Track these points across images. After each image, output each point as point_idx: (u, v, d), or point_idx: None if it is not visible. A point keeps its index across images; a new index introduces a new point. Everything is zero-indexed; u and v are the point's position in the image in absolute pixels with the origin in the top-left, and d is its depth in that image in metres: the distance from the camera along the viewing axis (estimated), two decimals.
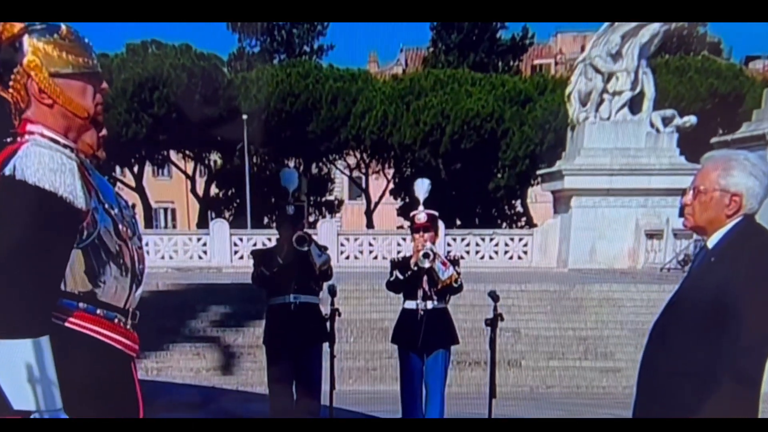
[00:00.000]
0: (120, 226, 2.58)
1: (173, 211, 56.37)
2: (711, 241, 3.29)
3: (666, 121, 23.84)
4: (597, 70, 23.78)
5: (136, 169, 38.66)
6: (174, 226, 54.48)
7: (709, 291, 3.12)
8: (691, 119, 24.11)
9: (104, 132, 2.68)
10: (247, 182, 33.71)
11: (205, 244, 26.00)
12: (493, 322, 6.73)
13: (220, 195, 41.75)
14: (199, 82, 32.35)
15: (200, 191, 40.96)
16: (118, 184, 37.62)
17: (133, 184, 38.72)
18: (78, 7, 2.59)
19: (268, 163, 39.48)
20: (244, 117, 32.02)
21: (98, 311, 2.49)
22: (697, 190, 3.28)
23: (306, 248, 6.78)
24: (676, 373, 3.19)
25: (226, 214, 39.74)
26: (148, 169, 42.25)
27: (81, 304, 2.45)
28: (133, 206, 35.31)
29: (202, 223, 37.75)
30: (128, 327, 2.62)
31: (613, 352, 15.20)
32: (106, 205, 2.55)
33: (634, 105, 24.13)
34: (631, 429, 3.34)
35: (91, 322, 2.48)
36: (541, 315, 16.59)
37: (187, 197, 46.78)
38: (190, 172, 41.34)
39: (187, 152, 38.84)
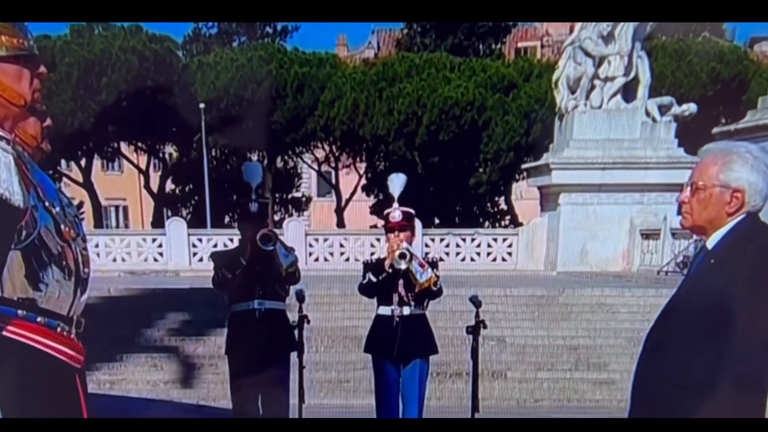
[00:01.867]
0: (62, 226, 2.56)
1: (125, 209, 56.21)
2: (711, 242, 3.28)
3: (663, 110, 23.83)
4: (587, 54, 23.73)
5: (83, 163, 38.37)
6: (126, 226, 54.41)
7: (710, 296, 3.11)
8: (690, 107, 24.04)
9: (48, 122, 2.66)
10: (206, 177, 33.62)
11: (160, 245, 25.87)
12: (475, 330, 6.73)
13: (177, 191, 41.63)
14: (151, 67, 32.09)
15: (155, 187, 40.76)
16: (64, 179, 37.39)
17: (80, 179, 38.47)
18: (78, 7, 2.57)
19: (229, 157, 39.42)
20: (202, 105, 31.90)
21: (39, 319, 2.47)
22: (695, 186, 3.27)
23: (271, 247, 6.76)
24: (673, 385, 3.19)
25: (184, 213, 39.67)
26: (96, 163, 41.99)
27: (20, 312, 2.43)
28: (81, 204, 35.24)
29: (158, 222, 37.55)
30: (73, 336, 2.60)
31: (606, 362, 15.26)
32: (47, 203, 2.52)
33: (628, 92, 24.12)
34: (631, 429, 3.37)
35: (31, 331, 2.45)
36: (528, 322, 16.63)
37: (140, 194, 46.55)
38: (143, 166, 41.11)
39: (140, 144, 38.62)
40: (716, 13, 3.41)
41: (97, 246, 24.58)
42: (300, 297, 6.94)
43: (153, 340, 15.67)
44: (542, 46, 59.44)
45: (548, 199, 25.57)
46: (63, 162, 38.39)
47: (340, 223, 41.39)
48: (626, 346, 14.77)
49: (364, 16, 3.17)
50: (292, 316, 6.98)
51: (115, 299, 16.71)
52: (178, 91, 32.30)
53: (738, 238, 3.17)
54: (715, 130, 22.22)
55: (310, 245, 25.67)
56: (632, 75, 23.96)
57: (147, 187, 41.21)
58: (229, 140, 35.59)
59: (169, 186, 41.56)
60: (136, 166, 41.45)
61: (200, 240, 25.69)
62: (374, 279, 6.95)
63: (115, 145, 38.44)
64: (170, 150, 41.58)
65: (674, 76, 32.29)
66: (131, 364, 14.94)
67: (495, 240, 26.16)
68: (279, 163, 40.90)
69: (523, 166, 28.61)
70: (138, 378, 14.75)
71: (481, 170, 35.33)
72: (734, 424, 2.96)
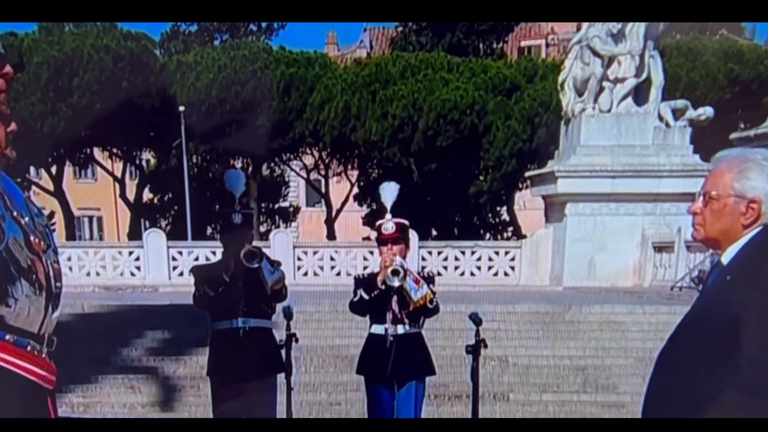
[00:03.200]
0: (32, 237, 2.56)
1: (99, 219, 56.18)
2: (726, 256, 3.25)
3: (677, 114, 23.74)
4: (595, 54, 23.66)
5: (54, 170, 38.30)
6: (101, 238, 54.37)
7: (725, 313, 3.07)
8: (706, 111, 23.87)
9: (14, 126, 2.65)
10: (186, 186, 33.59)
11: (138, 259, 25.79)
12: (475, 349, 6.74)
13: (155, 201, 41.60)
14: (126, 67, 32.07)
15: (131, 196, 40.74)
16: (33, 188, 37.34)
17: (51, 187, 38.39)
18: (78, 7, 2.58)
19: (211, 164, 39.42)
20: (181, 109, 31.89)
21: (8, 337, 2.47)
22: (708, 196, 3.24)
23: (256, 265, 6.78)
24: (687, 407, 3.15)
25: (163, 224, 39.65)
26: (68, 170, 42.00)
27: None
28: (52, 214, 35.20)
29: (134, 233, 37.49)
30: (44, 355, 2.60)
31: (615, 384, 15.24)
32: (15, 213, 2.52)
33: (640, 94, 24.03)
34: (630, 429, 3.38)
35: None
36: (532, 341, 16.59)
37: (115, 203, 46.58)
38: (118, 173, 41.10)
39: (115, 150, 38.57)
40: (726, 12, 3.44)
41: (69, 259, 24.51)
42: (287, 314, 6.95)
43: (130, 360, 15.60)
44: (547, 45, 59.63)
45: (553, 209, 25.56)
46: (32, 169, 38.32)
47: (331, 235, 41.38)
48: (637, 367, 14.74)
49: (359, 15, 3.19)
50: (279, 335, 6.98)
51: (89, 316, 16.64)
52: (156, 93, 32.32)
53: (754, 252, 3.13)
54: (733, 135, 22.25)
55: (299, 258, 25.63)
56: (644, 76, 23.81)
57: (123, 196, 41.18)
58: (211, 146, 35.63)
59: (147, 195, 41.52)
60: (111, 174, 41.42)
61: (180, 253, 25.62)
62: (366, 296, 6.97)
63: (88, 151, 38.42)
64: (148, 156, 41.60)
65: (689, 78, 32.25)
66: (106, 386, 14.86)
67: (496, 253, 26.12)
68: (265, 171, 40.92)
69: (527, 174, 28.57)
70: (114, 400, 14.68)
71: (481, 178, 35.36)
72: (736, 424, 2.95)
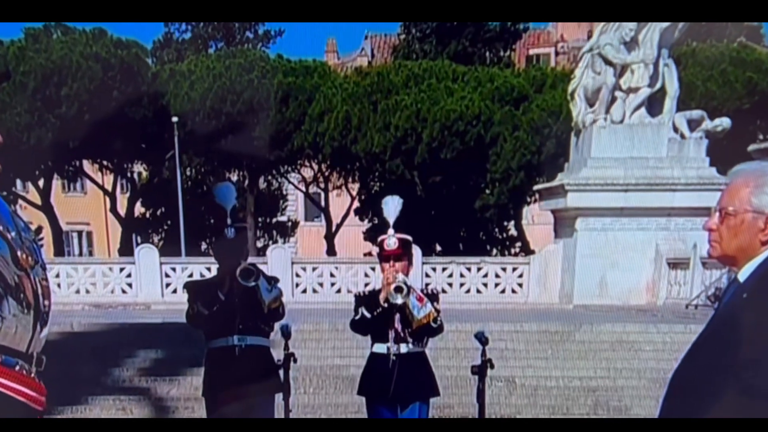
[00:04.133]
0: (19, 253, 2.56)
1: (89, 234, 56.20)
2: (743, 274, 3.25)
3: (693, 125, 23.68)
4: (607, 62, 23.61)
5: (41, 183, 38.30)
6: (90, 253, 54.31)
7: (742, 333, 3.07)
8: (723, 122, 23.81)
9: None
10: (180, 199, 33.63)
11: (129, 275, 25.77)
12: (481, 370, 6.75)
13: (147, 215, 41.61)
14: (116, 76, 32.04)
15: (122, 210, 40.73)
16: (20, 201, 37.35)
17: (38, 201, 38.39)
18: (78, 7, 2.60)
19: (205, 176, 39.45)
20: (175, 119, 31.91)
21: None
22: (725, 212, 3.25)
23: (253, 284, 6.78)
24: (702, 430, 3.14)
25: (155, 239, 39.69)
26: (56, 183, 42.04)
27: None
28: (40, 229, 35.22)
29: (126, 249, 37.50)
30: (33, 375, 2.60)
31: (628, 405, 15.22)
32: (1, 228, 2.52)
33: (654, 105, 23.98)
34: (630, 429, 3.39)
35: None
36: (541, 361, 16.58)
37: (106, 218, 46.60)
38: (108, 187, 41.08)
39: (105, 163, 38.55)
40: (721, 13, 3.46)
41: (57, 276, 24.47)
42: (286, 333, 6.95)
43: (121, 381, 15.57)
44: (556, 54, 59.68)
45: (563, 224, 25.52)
46: (18, 182, 38.36)
47: (331, 251, 41.39)
48: (651, 388, 14.74)
49: (359, 16, 3.20)
50: (277, 354, 6.97)
51: (79, 335, 16.63)
52: (148, 103, 32.32)
53: None
54: (751, 147, 22.23)
55: (297, 275, 25.61)
56: (658, 86, 23.72)
57: (113, 210, 41.12)
58: (205, 158, 35.67)
59: (139, 209, 41.53)
60: (101, 187, 41.42)
61: (174, 269, 25.63)
62: (368, 314, 6.95)
63: (77, 163, 38.43)
64: (139, 169, 41.63)
65: (705, 87, 32.11)
66: (97, 407, 14.84)
67: (504, 269, 26.08)
68: (262, 184, 40.95)
69: (535, 187, 28.47)
70: None
71: (487, 192, 35.35)
72: (737, 424, 2.95)
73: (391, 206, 7.11)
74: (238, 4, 3.25)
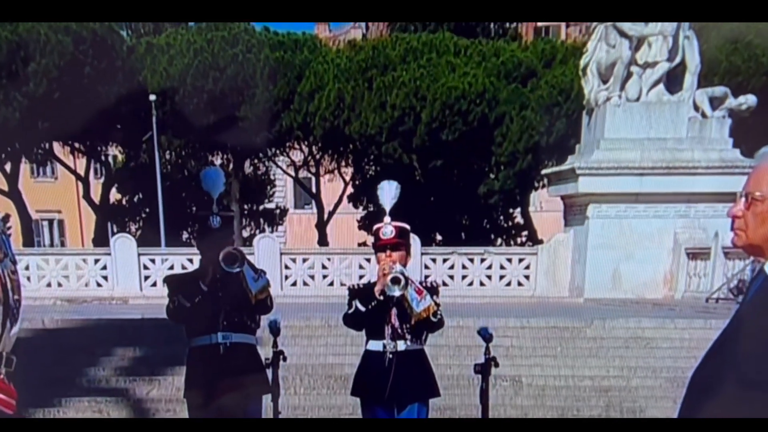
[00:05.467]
0: None
1: (61, 223, 56.16)
2: None
3: (715, 103, 23.62)
4: (623, 34, 23.49)
5: (8, 167, 38.22)
6: (63, 244, 54.26)
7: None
8: (749, 99, 23.77)
9: None
10: (159, 185, 33.61)
11: (104, 267, 25.78)
12: (484, 369, 6.76)
13: (123, 202, 41.59)
14: (89, 51, 31.93)
15: (96, 197, 40.72)
16: None
17: (5, 187, 38.35)
18: (79, 6, 2.63)
19: (186, 160, 39.38)
20: (152, 98, 31.87)
21: None
22: (751, 197, 3.22)
23: (237, 269, 6.78)
24: None
25: (132, 228, 39.63)
26: (25, 167, 41.90)
27: None
28: (7, 217, 35.20)
29: (101, 239, 37.50)
30: (2, 376, 2.61)
31: (643, 407, 15.26)
32: None
33: (673, 81, 23.93)
34: (630, 429, 3.41)
35: None
36: (549, 359, 16.61)
37: (78, 205, 46.62)
38: (81, 171, 41.07)
39: (77, 145, 38.52)
40: (722, 12, 3.50)
41: (27, 268, 24.52)
42: (274, 329, 6.93)
43: (97, 381, 15.58)
44: (567, 25, 59.59)
45: (574, 211, 25.53)
46: None
47: (323, 240, 41.45)
48: (668, 389, 14.78)
49: (360, 15, 3.25)
50: (265, 352, 6.98)
51: (51, 332, 16.62)
52: (123, 80, 32.22)
53: None
54: None
55: (287, 267, 25.64)
56: (678, 60, 23.67)
57: (87, 196, 41.14)
58: (186, 140, 35.62)
59: (114, 195, 41.52)
60: (73, 172, 41.40)
61: (153, 261, 25.63)
62: (362, 308, 6.94)
63: (47, 145, 38.31)
64: (114, 152, 41.54)
65: (729, 61, 32.00)
66: (71, 410, 14.84)
67: (509, 260, 26.11)
68: (248, 168, 40.94)
69: (544, 171, 28.45)
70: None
71: (492, 176, 35.35)
72: (737, 424, 2.96)
73: (388, 192, 7.09)
74: (238, 4, 3.28)
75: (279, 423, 4.08)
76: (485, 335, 6.75)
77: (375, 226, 7.14)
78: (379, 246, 6.96)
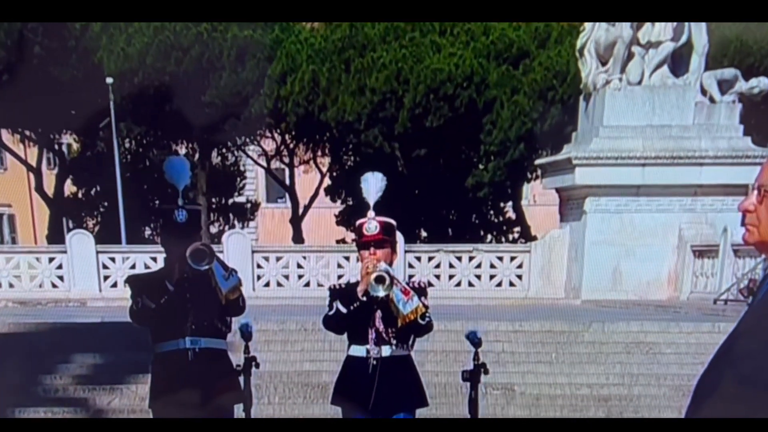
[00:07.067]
0: None
1: (11, 218, 56.07)
2: None
3: (724, 86, 23.62)
4: None
5: None
6: (13, 240, 54.19)
7: None
8: (761, 82, 23.81)
9: None
10: (118, 177, 33.51)
11: (60, 267, 25.79)
12: (473, 376, 6.79)
13: (80, 195, 41.49)
14: (38, 29, 31.73)
15: (49, 189, 40.60)
16: None
17: None
18: (79, 6, 2.68)
19: (147, 149, 39.31)
20: (109, 81, 31.71)
21: None
22: (764, 190, 3.20)
23: (206, 267, 6.78)
24: None
25: (90, 223, 39.56)
26: None
27: None
28: None
29: (55, 235, 37.39)
30: None
31: (645, 417, 15.36)
32: None
33: (678, 62, 23.97)
34: (630, 429, 3.47)
35: None
36: (544, 365, 16.67)
37: (30, 198, 46.46)
38: (33, 161, 40.95)
39: (28, 133, 38.43)
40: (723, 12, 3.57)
41: None
42: (246, 333, 6.95)
43: (53, 390, 15.55)
44: None
45: (570, 205, 25.59)
46: None
47: (297, 237, 41.43)
48: (672, 397, 14.85)
49: (360, 15, 3.32)
50: (236, 359, 7.01)
51: (2, 337, 16.63)
52: (77, 62, 32.07)
53: None
54: None
55: (259, 266, 25.70)
56: (683, 39, 23.60)
57: (39, 189, 41.00)
58: (147, 127, 35.52)
59: (69, 188, 41.40)
60: (24, 162, 41.30)
61: (113, 259, 25.66)
62: (344, 310, 6.92)
63: None
64: (69, 140, 41.46)
65: (740, 41, 31.96)
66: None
67: (500, 259, 26.19)
68: (215, 158, 40.90)
69: (537, 161, 28.55)
70: None
71: (481, 167, 35.37)
72: (737, 424, 3.00)
73: (373, 184, 7.11)
74: (238, 3, 3.36)
75: (279, 423, 4.10)
76: (474, 340, 6.77)
77: (358, 222, 7.15)
78: (363, 243, 6.97)
